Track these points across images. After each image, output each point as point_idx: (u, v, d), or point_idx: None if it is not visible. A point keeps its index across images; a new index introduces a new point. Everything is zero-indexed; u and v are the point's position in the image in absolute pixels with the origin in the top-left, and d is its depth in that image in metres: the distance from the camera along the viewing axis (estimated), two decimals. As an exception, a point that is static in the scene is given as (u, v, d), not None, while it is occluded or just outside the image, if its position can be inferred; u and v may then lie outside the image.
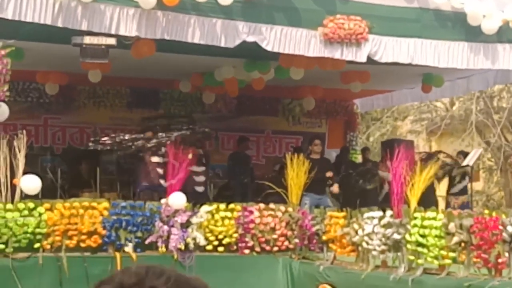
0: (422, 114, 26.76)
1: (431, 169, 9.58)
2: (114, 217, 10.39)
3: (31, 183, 10.10)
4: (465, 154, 15.27)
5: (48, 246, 10.04)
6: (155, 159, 12.81)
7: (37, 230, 9.97)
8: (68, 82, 14.55)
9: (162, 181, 12.55)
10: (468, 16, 11.32)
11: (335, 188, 13.67)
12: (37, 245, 9.96)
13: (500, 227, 7.87)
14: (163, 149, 12.69)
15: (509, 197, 23.25)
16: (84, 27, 9.79)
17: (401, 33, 11.22)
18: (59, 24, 9.61)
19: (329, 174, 13.40)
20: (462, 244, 8.35)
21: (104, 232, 10.29)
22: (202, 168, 13.04)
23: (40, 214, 10.03)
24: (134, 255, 10.27)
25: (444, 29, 11.45)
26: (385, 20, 11.19)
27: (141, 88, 15.98)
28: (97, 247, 10.29)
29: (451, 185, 14.71)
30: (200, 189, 13.20)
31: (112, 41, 10.38)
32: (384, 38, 11.14)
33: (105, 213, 10.37)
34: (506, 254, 7.85)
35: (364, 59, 11.08)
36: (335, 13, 10.90)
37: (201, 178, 13.29)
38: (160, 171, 12.67)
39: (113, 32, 10.02)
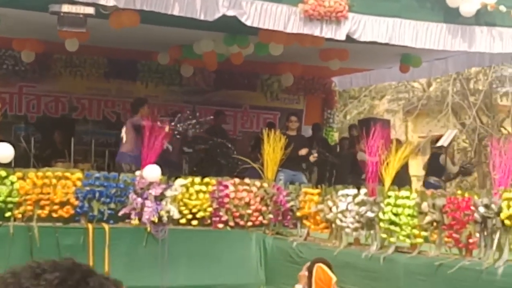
0: (399, 94, 26.87)
1: (406, 149, 9.62)
2: (88, 188, 10.35)
3: (3, 151, 10.03)
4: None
5: (20, 216, 9.99)
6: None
7: (9, 199, 9.91)
8: (45, 50, 14.41)
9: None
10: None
11: (303, 151, 13.39)
12: (8, 214, 9.91)
13: (472, 208, 7.93)
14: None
15: (482, 179, 23.43)
16: (62, -5, 9.70)
17: (381, 12, 11.21)
18: (37, -9, 9.52)
19: (302, 151, 13.35)
20: (434, 224, 8.42)
21: (76, 202, 10.25)
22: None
23: (12, 183, 9.97)
24: (107, 227, 10.24)
25: (423, 9, 11.44)
26: (365, -2, 11.18)
27: (119, 58, 15.87)
28: (69, 217, 10.25)
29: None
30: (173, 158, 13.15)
31: (90, 10, 10.28)
32: (363, 16, 11.12)
33: (78, 183, 10.33)
34: (477, 235, 7.92)
35: (343, 37, 11.06)
36: (316, -11, 10.87)
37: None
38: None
39: (91, 0, 9.93)
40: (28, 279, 1.72)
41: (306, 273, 7.55)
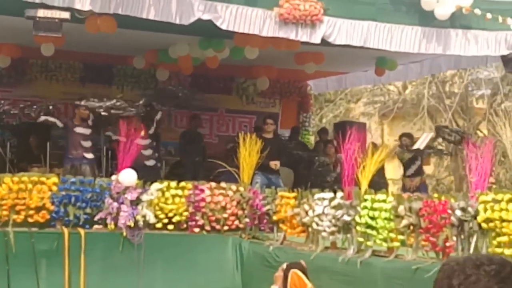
0: (375, 97, 26.95)
1: (382, 152, 9.64)
2: (63, 193, 10.28)
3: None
4: (409, 136, 15.35)
5: (-5, 221, 9.91)
6: (79, 130, 12.77)
7: (-16, 204, 9.84)
8: (21, 55, 14.35)
9: (86, 154, 12.60)
10: (421, 0, 11.37)
11: (273, 163, 13.46)
12: (-17, 219, 9.83)
13: (449, 211, 7.96)
14: (90, 121, 12.76)
15: (458, 182, 23.55)
16: (38, -1, 9.64)
17: (356, 15, 11.24)
18: (13, -4, 9.46)
19: (273, 164, 13.35)
20: (411, 227, 8.43)
21: (52, 207, 10.18)
22: (147, 141, 12.92)
23: (-12, 188, 9.89)
24: (82, 232, 10.18)
25: (398, 13, 11.48)
26: (340, 2, 11.19)
27: (95, 63, 15.83)
28: (45, 222, 10.18)
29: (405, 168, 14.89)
30: (149, 163, 13.14)
31: (66, 14, 10.24)
32: (339, 20, 11.14)
33: (54, 188, 10.26)
34: (454, 238, 7.94)
35: (318, 41, 11.08)
36: (291, -7, 10.88)
37: (149, 152, 13.21)
38: (85, 143, 12.70)
39: (66, 5, 9.89)
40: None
41: (282, 274, 7.55)
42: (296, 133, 17.30)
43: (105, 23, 10.83)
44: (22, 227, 10.02)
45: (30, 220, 10.05)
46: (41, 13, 10.20)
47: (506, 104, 23.28)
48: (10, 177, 10.19)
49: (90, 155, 12.94)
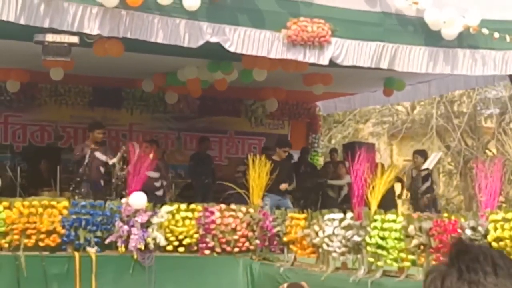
0: (383, 118, 26.96)
1: (392, 172, 9.64)
2: (74, 216, 10.31)
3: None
4: (421, 154, 15.38)
5: (6, 245, 9.94)
6: (98, 154, 12.79)
7: (-5, 228, 9.87)
8: (30, 79, 14.42)
9: (101, 181, 12.65)
10: (428, 21, 11.41)
11: (283, 186, 13.55)
12: (-5, 244, 9.86)
13: (459, 230, 7.95)
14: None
15: (468, 201, 23.49)
16: (46, 24, 9.69)
17: (364, 36, 11.27)
18: (22, 22, 9.51)
19: (283, 187, 13.41)
20: (421, 247, 8.42)
21: (63, 231, 10.20)
22: (157, 174, 13.04)
23: (-1, 213, 9.93)
24: (93, 255, 10.20)
25: (405, 33, 11.52)
26: (348, 23, 11.23)
27: (103, 86, 15.90)
28: (55, 246, 10.19)
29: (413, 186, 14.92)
30: (159, 193, 13.21)
31: (74, 39, 10.30)
32: (346, 41, 11.17)
33: (65, 212, 10.28)
34: (464, 257, 7.92)
35: (326, 62, 11.11)
36: (299, 15, 10.92)
37: (159, 183, 13.32)
38: (102, 169, 12.71)
39: (75, 30, 9.95)
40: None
41: None
42: (305, 154, 17.33)
43: (113, 47, 10.90)
44: (33, 251, 10.04)
45: (41, 244, 10.07)
46: (50, 37, 10.26)
47: (514, 123, 23.28)
48: (21, 201, 10.22)
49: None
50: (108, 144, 14.82)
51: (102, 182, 12.86)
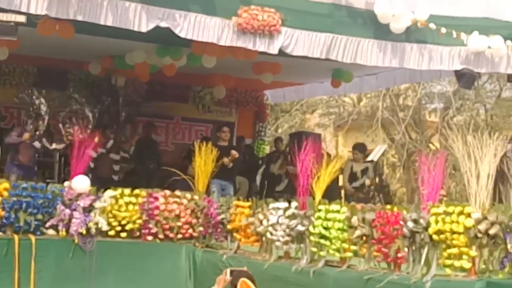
0: (330, 109, 27.13)
1: (337, 163, 9.67)
2: (14, 199, 10.12)
3: None
4: (360, 149, 15.41)
5: None
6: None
7: None
8: (-27, 58, 14.15)
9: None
10: (378, 14, 11.48)
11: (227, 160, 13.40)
12: None
13: (401, 222, 8.01)
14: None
15: (410, 194, 23.78)
16: (-6, 3, 9.54)
17: (314, 27, 11.30)
18: (-33, -1, 9.33)
19: (226, 161, 13.28)
20: (364, 238, 8.47)
21: (3, 213, 10.02)
22: (118, 157, 12.95)
23: None
24: (33, 238, 10.06)
25: (355, 25, 11.58)
26: (298, 13, 11.25)
27: (49, 68, 15.66)
28: (-5, 228, 10.04)
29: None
30: (116, 177, 13.13)
31: (21, 18, 10.12)
32: (296, 31, 11.19)
33: (5, 194, 10.11)
34: (406, 249, 7.99)
35: (276, 51, 11.12)
36: (250, 3, 10.91)
37: (118, 167, 13.24)
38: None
39: (23, 9, 9.79)
40: None
41: (226, 278, 7.52)
42: (241, 142, 17.27)
43: (63, 29, 10.74)
44: (-28, 232, 9.88)
45: (-20, 226, 9.90)
46: (-4, 16, 10.09)
47: (458, 118, 23.60)
48: (-41, 182, 10.04)
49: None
50: (53, 127, 14.70)
51: (35, 167, 12.84)
